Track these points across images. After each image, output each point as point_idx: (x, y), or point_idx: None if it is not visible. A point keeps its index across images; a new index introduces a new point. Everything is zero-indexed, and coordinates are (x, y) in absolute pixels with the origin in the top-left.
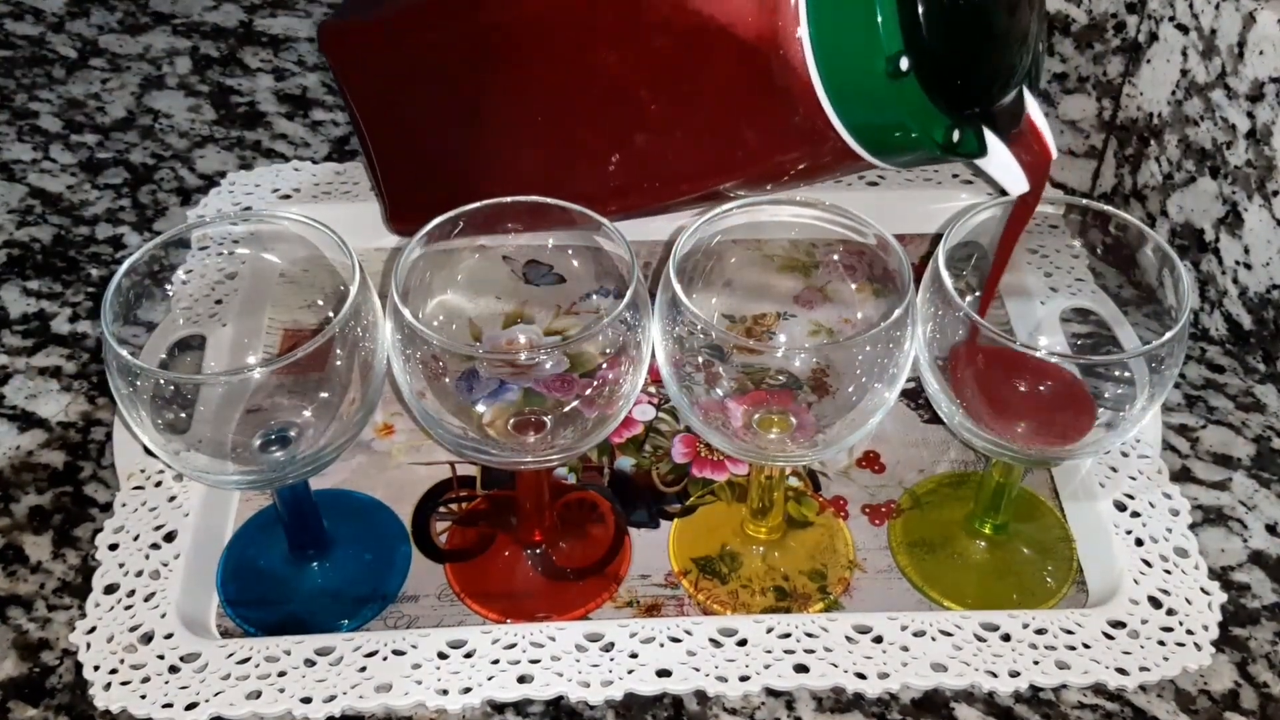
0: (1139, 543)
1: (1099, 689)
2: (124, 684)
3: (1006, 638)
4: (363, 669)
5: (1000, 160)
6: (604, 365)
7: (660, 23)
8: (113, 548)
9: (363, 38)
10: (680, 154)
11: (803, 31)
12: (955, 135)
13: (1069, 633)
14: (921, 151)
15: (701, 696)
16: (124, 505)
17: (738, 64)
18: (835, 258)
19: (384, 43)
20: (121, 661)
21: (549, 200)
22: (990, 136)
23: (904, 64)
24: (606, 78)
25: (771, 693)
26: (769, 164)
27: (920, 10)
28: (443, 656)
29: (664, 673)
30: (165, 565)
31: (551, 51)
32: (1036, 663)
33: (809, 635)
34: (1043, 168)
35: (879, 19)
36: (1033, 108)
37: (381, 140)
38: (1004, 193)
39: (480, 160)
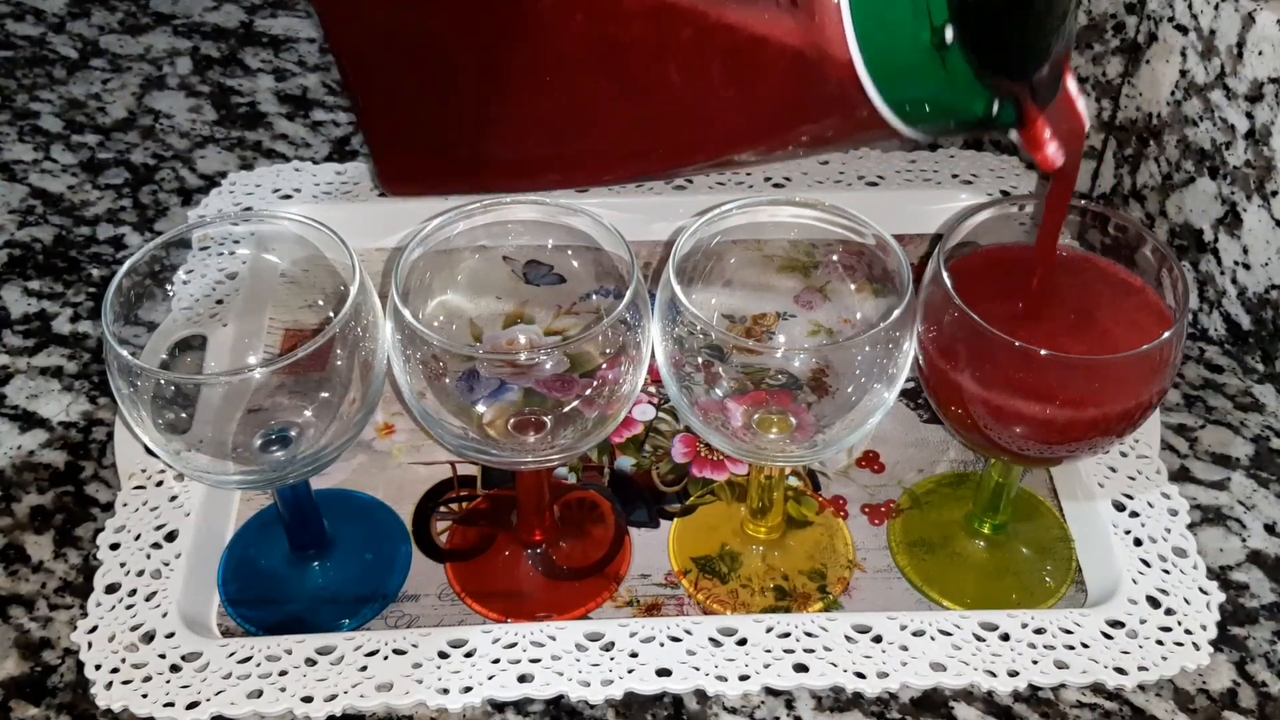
0: (1138, 542)
1: (1098, 688)
2: (125, 683)
3: (1005, 637)
4: (364, 668)
5: (1035, 132)
6: (604, 365)
7: None
8: (114, 547)
9: None
10: (700, 120)
11: (844, 2)
12: (995, 108)
13: (1068, 632)
14: (957, 122)
15: (701, 696)
16: (125, 505)
17: (770, 34)
18: (835, 258)
19: None
20: (123, 661)
21: (550, 201)
22: (1026, 108)
23: (949, 35)
24: (625, 38)
25: (771, 692)
26: (793, 133)
27: None
28: (443, 656)
29: (664, 672)
30: (166, 565)
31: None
32: (1035, 662)
33: (808, 635)
34: (1077, 139)
35: None
36: (1068, 77)
37: (370, 93)
38: (1032, 166)
39: (483, 116)
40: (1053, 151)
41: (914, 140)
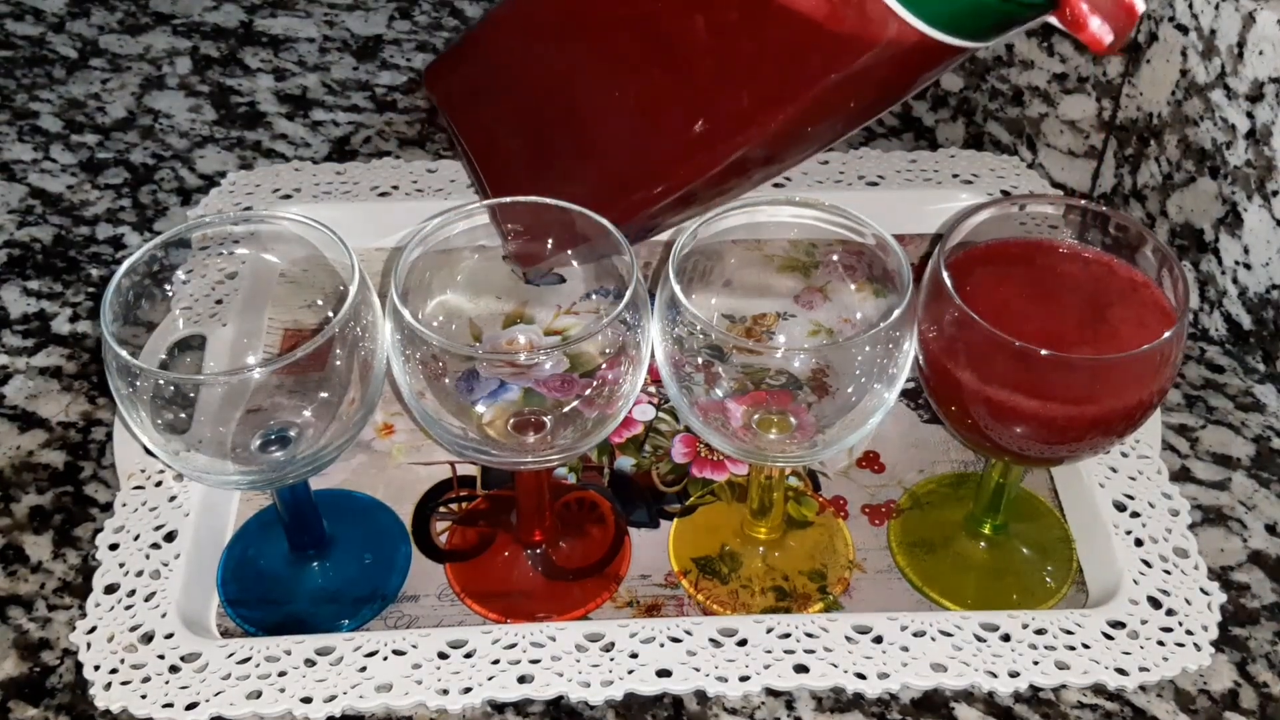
0: (1139, 543)
1: (1099, 689)
2: (124, 684)
3: (1006, 638)
4: (363, 669)
5: (1072, 10)
6: (604, 365)
7: None
8: (113, 547)
9: (456, 60)
10: (740, 79)
11: None
12: None
13: (1069, 633)
14: (985, 12)
15: (701, 696)
16: (124, 505)
17: None
18: (835, 258)
19: (476, 56)
20: (122, 661)
21: (548, 200)
22: None
23: None
24: (650, 9)
25: (771, 693)
26: (833, 81)
27: None
28: (443, 656)
29: (664, 673)
30: (165, 565)
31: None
32: (1036, 663)
33: (809, 635)
34: (1126, 19)
35: None
36: None
37: (493, 168)
38: (1080, 47)
39: (580, 150)
40: (1097, 28)
41: (949, 50)
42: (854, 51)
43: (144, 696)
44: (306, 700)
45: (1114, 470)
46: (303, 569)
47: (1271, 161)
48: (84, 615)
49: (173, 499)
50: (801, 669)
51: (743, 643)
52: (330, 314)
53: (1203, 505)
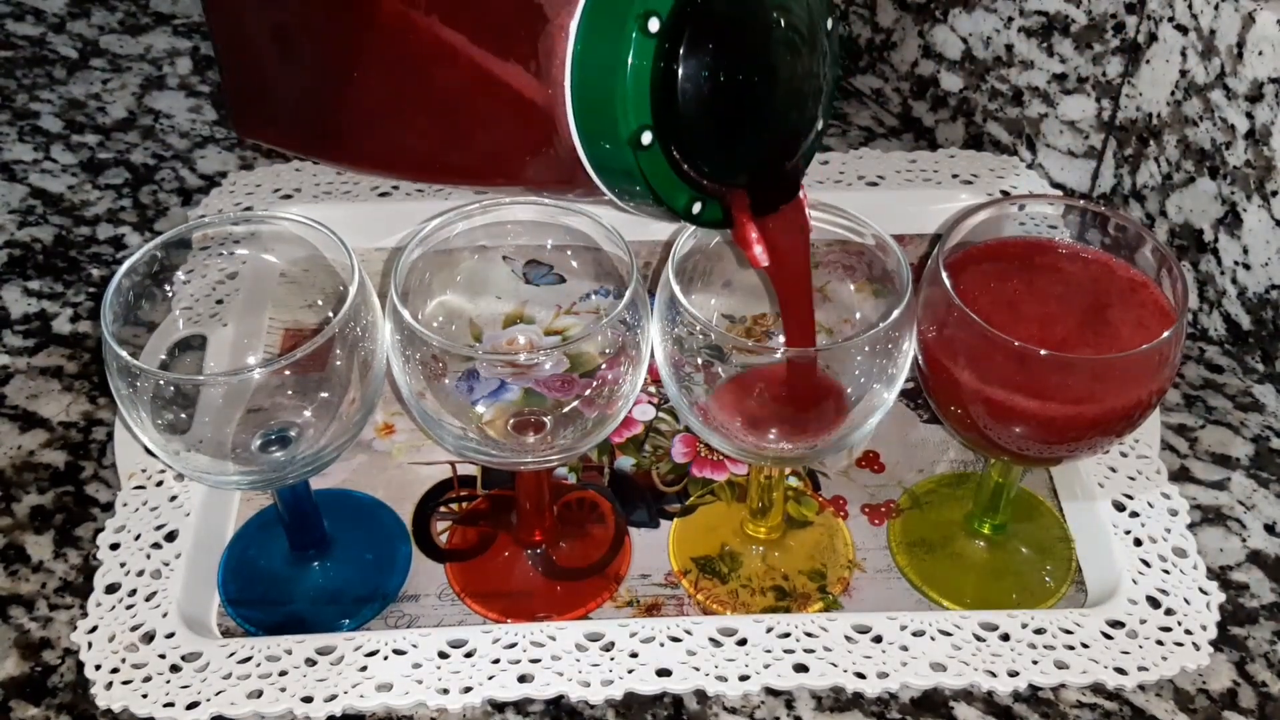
0: (1138, 542)
1: (1098, 688)
2: (125, 683)
3: (1005, 637)
4: (363, 668)
5: (741, 234)
6: (604, 365)
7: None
8: (114, 547)
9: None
10: (454, 145)
11: (566, 81)
12: (697, 207)
13: (1068, 632)
14: (665, 210)
15: (701, 696)
16: (125, 505)
17: (511, 83)
18: (834, 258)
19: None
20: (123, 661)
21: (550, 201)
22: (738, 209)
23: (646, 139)
24: (396, 47)
25: (771, 692)
26: (536, 175)
27: (676, 91)
28: (443, 656)
29: (664, 672)
30: (166, 565)
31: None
32: (1035, 662)
33: (808, 635)
34: (794, 252)
35: (627, 92)
36: (804, 192)
37: (230, 40)
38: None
39: (314, 91)
40: (758, 254)
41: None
42: (554, 172)
43: (145, 696)
44: (307, 700)
45: (1113, 470)
46: (303, 569)
47: (1271, 162)
48: (85, 615)
49: (173, 499)
50: (801, 668)
51: (742, 642)
52: (330, 314)
53: (1202, 505)
